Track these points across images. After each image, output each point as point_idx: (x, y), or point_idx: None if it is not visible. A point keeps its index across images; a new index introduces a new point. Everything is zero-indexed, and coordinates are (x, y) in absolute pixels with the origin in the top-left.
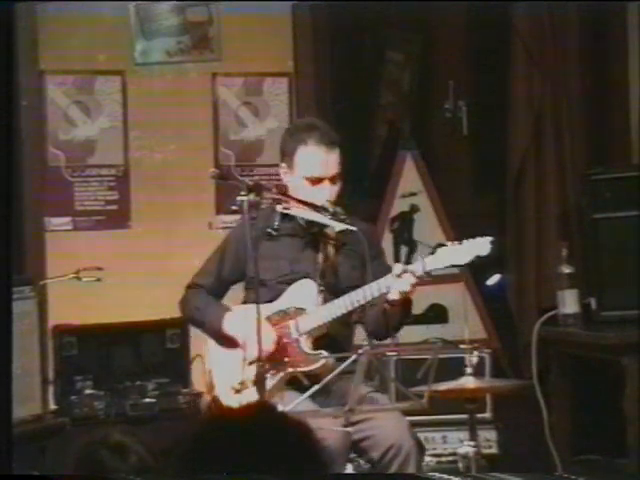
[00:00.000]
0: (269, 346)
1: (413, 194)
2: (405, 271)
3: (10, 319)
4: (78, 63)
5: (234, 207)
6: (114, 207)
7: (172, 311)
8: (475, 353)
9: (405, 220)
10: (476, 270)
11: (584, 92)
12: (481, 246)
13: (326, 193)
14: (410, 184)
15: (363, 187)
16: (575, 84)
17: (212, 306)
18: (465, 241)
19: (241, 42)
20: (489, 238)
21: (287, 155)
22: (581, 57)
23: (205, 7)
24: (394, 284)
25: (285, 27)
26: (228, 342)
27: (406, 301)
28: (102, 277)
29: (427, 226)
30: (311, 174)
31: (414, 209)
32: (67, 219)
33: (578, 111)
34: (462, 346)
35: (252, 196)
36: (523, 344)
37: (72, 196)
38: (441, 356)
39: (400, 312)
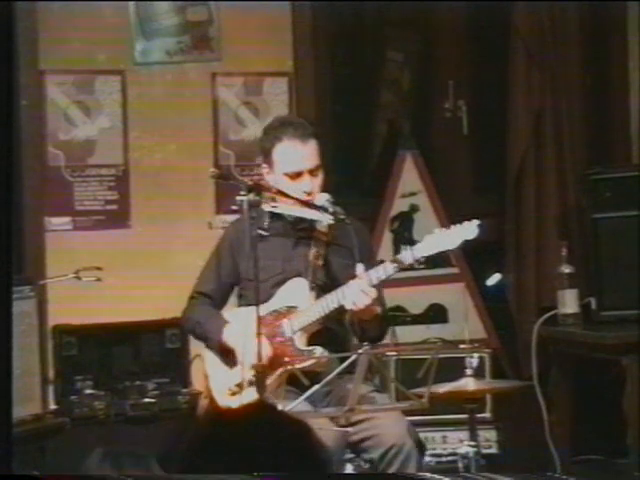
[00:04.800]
0: (265, 356)
1: (413, 194)
2: (393, 259)
3: (10, 319)
4: (78, 63)
5: (234, 207)
6: (114, 207)
7: (172, 311)
8: (475, 355)
9: (405, 220)
10: (476, 270)
11: (584, 92)
12: (469, 230)
13: (307, 186)
14: (410, 184)
15: (363, 187)
16: (575, 84)
17: (212, 320)
18: (452, 226)
19: (241, 42)
20: (476, 221)
21: (266, 154)
22: (581, 57)
23: (205, 7)
24: (375, 275)
25: (285, 27)
26: (228, 354)
27: (376, 317)
28: (102, 277)
29: (427, 226)
30: (289, 169)
31: (414, 209)
32: (67, 219)
33: (578, 111)
34: (462, 346)
35: (252, 196)
36: (523, 344)
37: (72, 196)
38: (441, 356)
39: (373, 326)
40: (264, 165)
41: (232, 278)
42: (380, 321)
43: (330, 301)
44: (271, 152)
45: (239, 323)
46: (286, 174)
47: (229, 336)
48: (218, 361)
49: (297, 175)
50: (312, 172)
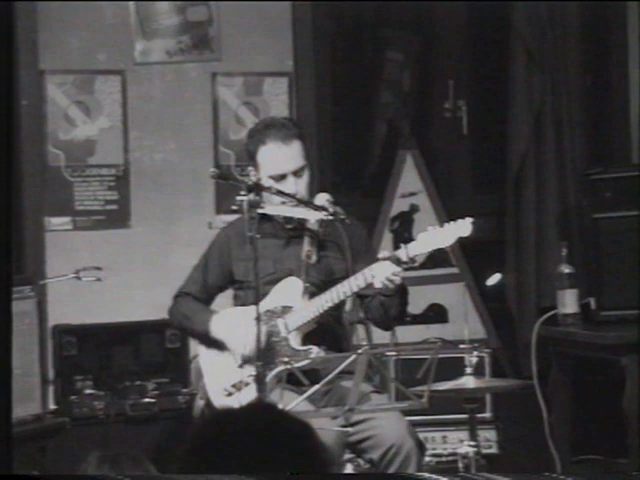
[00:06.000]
0: (260, 343)
1: (413, 194)
2: (388, 257)
3: (10, 319)
4: (78, 63)
5: (234, 207)
6: (114, 207)
7: None
8: (475, 353)
9: (405, 220)
10: (476, 270)
11: (584, 92)
12: (462, 227)
13: (291, 188)
14: (410, 184)
15: (363, 187)
16: (575, 84)
17: (199, 312)
18: (446, 224)
19: (241, 42)
20: (470, 219)
21: (251, 157)
22: (581, 57)
23: (205, 7)
24: (379, 272)
25: (285, 27)
26: (217, 346)
27: (399, 289)
28: (102, 277)
29: (427, 226)
30: (273, 172)
31: (414, 209)
32: (67, 219)
33: (578, 111)
34: (462, 346)
35: (252, 196)
36: (523, 344)
37: (72, 196)
38: (441, 356)
39: (396, 301)
40: (250, 168)
41: (220, 281)
42: (403, 292)
43: (325, 300)
44: (256, 155)
45: (228, 316)
46: (270, 177)
47: (217, 327)
48: (214, 361)
49: (281, 177)
50: (296, 173)
